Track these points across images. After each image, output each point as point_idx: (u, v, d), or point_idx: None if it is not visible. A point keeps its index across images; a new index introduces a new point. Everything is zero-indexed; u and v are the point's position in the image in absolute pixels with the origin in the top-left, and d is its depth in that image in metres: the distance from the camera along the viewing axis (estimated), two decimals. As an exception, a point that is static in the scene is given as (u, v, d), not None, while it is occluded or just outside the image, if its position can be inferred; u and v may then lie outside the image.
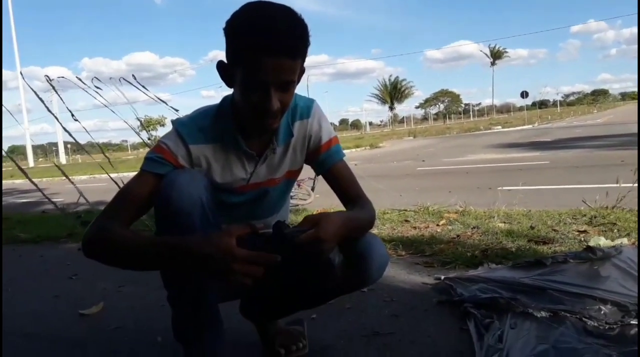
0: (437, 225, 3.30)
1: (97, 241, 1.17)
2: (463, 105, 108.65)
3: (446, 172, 8.54)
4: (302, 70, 1.18)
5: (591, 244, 2.32)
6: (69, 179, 4.15)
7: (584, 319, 1.55)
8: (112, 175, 4.19)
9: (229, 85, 1.21)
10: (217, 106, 1.29)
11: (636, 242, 2.39)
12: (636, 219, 2.89)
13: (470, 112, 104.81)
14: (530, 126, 29.10)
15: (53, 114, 4.73)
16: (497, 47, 77.87)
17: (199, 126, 1.26)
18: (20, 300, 2.55)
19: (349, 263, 1.29)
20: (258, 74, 1.07)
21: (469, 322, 1.67)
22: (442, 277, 2.15)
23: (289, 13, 1.09)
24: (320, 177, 1.44)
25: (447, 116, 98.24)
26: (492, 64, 78.88)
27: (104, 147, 5.09)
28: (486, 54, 79.20)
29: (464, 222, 3.28)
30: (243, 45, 1.07)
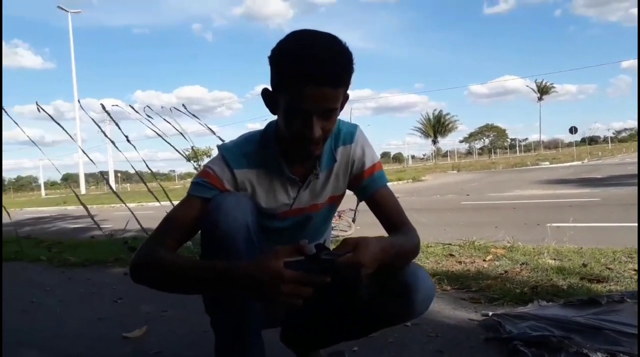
0: (484, 260, 3.20)
1: (144, 265, 1.20)
2: (509, 140, 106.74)
3: (492, 207, 8.34)
4: (346, 97, 1.18)
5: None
6: (124, 204, 4.28)
7: (643, 362, 1.46)
8: (160, 203, 4.30)
9: (273, 111, 1.22)
10: (261, 132, 1.32)
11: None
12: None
13: (517, 148, 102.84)
14: (579, 162, 28.22)
15: (109, 138, 4.92)
16: (544, 82, 76.56)
17: (244, 152, 1.28)
18: (66, 321, 2.61)
19: (393, 293, 1.25)
20: (300, 102, 1.09)
21: (518, 361, 1.60)
22: (490, 313, 2.07)
23: (333, 42, 1.10)
24: (361, 208, 1.42)
25: (493, 151, 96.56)
26: (539, 99, 77.44)
27: (152, 177, 5.24)
28: (533, 89, 77.91)
29: (512, 258, 3.18)
30: (286, 74, 1.09)
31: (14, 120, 5.09)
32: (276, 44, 1.12)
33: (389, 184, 1.41)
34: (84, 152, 4.97)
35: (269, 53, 1.13)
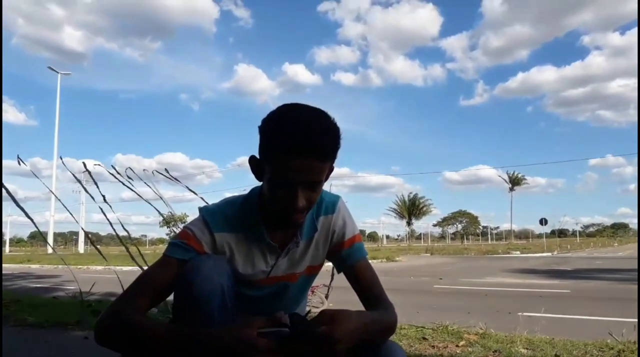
0: (457, 346, 3.17)
1: (111, 326, 1.14)
2: (481, 227, 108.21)
3: (464, 292, 8.33)
4: (331, 169, 1.20)
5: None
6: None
7: None
8: (128, 268, 4.20)
9: (259, 178, 1.23)
10: (245, 196, 1.32)
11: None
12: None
13: (489, 235, 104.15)
14: (549, 254, 28.63)
15: (92, 195, 4.86)
16: (515, 174, 78.89)
17: (225, 215, 1.28)
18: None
19: None
20: (287, 173, 1.10)
21: None
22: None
23: (322, 117, 1.13)
24: (334, 284, 1.42)
25: (465, 237, 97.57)
26: (511, 189, 79.50)
27: (123, 241, 5.15)
28: (505, 180, 79.97)
29: (485, 344, 3.15)
30: (274, 145, 1.10)
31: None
32: (267, 115, 1.15)
33: None
34: (65, 207, 4.88)
35: (257, 124, 1.15)
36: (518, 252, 31.09)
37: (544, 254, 28.08)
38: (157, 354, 1.16)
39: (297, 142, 1.07)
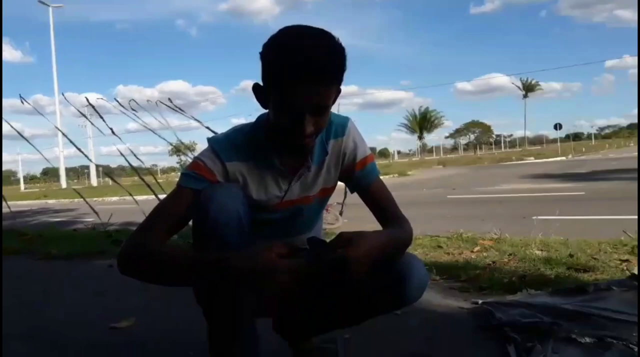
0: (472, 251, 3.22)
1: (133, 256, 1.18)
2: (494, 136, 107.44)
3: (478, 200, 8.40)
4: (338, 92, 1.16)
5: (635, 272, 2.22)
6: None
7: (631, 345, 1.47)
8: (142, 197, 4.26)
9: (264, 106, 1.20)
10: (253, 124, 1.30)
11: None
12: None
13: (502, 144, 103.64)
14: (564, 158, 28.56)
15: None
16: (529, 80, 76.91)
17: (234, 144, 1.26)
18: (53, 314, 2.57)
19: (387, 283, 1.25)
20: (292, 100, 1.07)
21: (509, 346, 1.60)
22: (480, 301, 2.08)
23: (326, 39, 1.08)
24: (348, 201, 1.42)
25: (478, 147, 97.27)
26: (525, 96, 77.87)
27: (133, 172, 5.18)
28: (518, 87, 78.03)
29: (500, 249, 3.20)
30: (276, 72, 1.07)
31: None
32: (267, 40, 1.10)
33: None
34: (73, 143, 4.89)
35: (257, 48, 1.11)
36: (532, 158, 31.06)
37: (559, 159, 28.03)
38: (179, 280, 1.20)
39: (301, 68, 1.03)
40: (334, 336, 1.64)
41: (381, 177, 1.40)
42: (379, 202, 1.36)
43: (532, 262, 2.73)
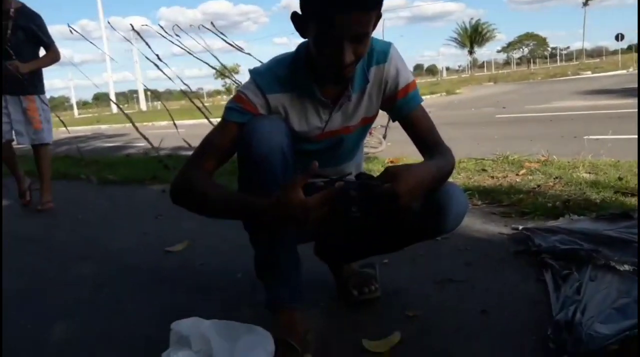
0: (517, 175, 3.18)
1: (182, 191, 1.27)
2: (549, 49, 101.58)
3: (528, 119, 8.14)
4: (379, 17, 1.14)
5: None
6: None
7: (671, 274, 1.46)
8: (190, 122, 4.34)
9: (303, 36, 1.21)
10: (293, 55, 1.30)
11: None
12: None
13: (558, 57, 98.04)
14: (624, 71, 26.81)
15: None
16: (590, -15, 71.01)
17: (276, 75, 1.27)
18: (113, 237, 2.77)
19: (427, 212, 1.27)
20: (331, 28, 1.06)
21: (545, 273, 1.63)
22: (520, 227, 2.09)
23: None
24: (392, 124, 1.42)
25: (532, 61, 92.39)
26: (585, 4, 72.19)
27: (181, 95, 5.27)
28: (578, -8, 72.45)
29: (546, 172, 3.14)
30: (314, 1, 1.06)
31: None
32: None
33: (422, 97, 1.39)
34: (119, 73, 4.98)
35: None
36: (589, 72, 29.35)
37: (618, 72, 26.35)
38: (223, 216, 1.30)
39: None
40: (373, 261, 1.71)
41: (428, 96, 1.42)
42: (421, 131, 1.36)
43: (578, 186, 2.69)
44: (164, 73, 4.78)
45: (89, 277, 2.13)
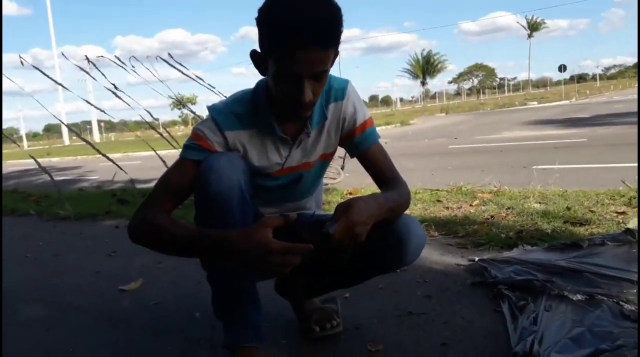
0: (471, 205, 3.27)
1: (140, 230, 1.23)
2: (498, 79, 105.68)
3: (479, 150, 8.41)
4: (336, 54, 1.15)
5: (630, 226, 2.27)
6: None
7: (620, 302, 1.52)
8: (146, 153, 4.27)
9: (262, 73, 1.21)
10: (252, 91, 1.30)
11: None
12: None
13: (505, 87, 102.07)
14: (567, 101, 28.25)
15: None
16: (534, 18, 74.76)
17: (234, 112, 1.27)
18: (63, 275, 2.66)
19: (386, 246, 1.28)
20: (290, 66, 1.07)
21: (502, 304, 1.67)
22: (476, 258, 2.14)
23: (320, 1, 1.06)
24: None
25: (481, 91, 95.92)
26: (529, 36, 75.85)
27: (136, 126, 5.20)
28: (523, 26, 76.05)
29: (498, 202, 3.24)
30: (273, 39, 1.07)
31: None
32: (262, 4, 1.09)
33: (377, 129, 1.42)
34: (89, 103, 4.87)
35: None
36: (535, 102, 30.72)
37: (562, 102, 27.73)
38: (183, 253, 1.26)
39: (297, 33, 1.03)
40: (335, 296, 1.71)
41: (384, 126, 1.44)
42: (378, 167, 1.37)
43: (530, 216, 2.78)
44: (122, 99, 4.70)
45: (39, 320, 2.03)
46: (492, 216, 2.90)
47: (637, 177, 2.92)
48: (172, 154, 1.35)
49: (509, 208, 3.05)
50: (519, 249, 2.17)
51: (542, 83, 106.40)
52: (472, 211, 3.11)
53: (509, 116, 18.76)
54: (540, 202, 3.14)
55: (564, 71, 35.05)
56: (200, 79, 5.04)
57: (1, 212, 2.79)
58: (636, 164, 4.59)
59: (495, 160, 6.64)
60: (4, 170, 14.20)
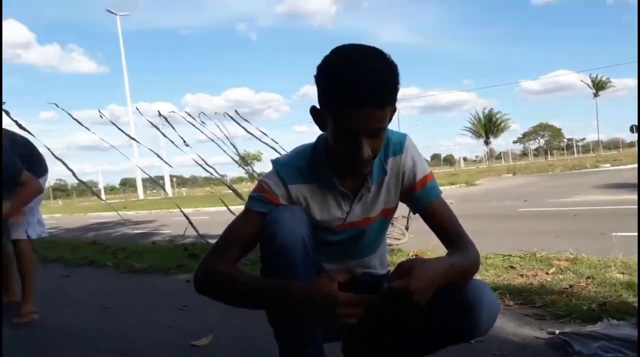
0: (547, 273, 3.13)
1: (207, 280, 1.27)
2: (565, 140, 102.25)
3: (551, 214, 8.07)
4: (394, 111, 1.18)
5: None
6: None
7: None
8: (213, 209, 4.43)
9: (322, 129, 1.25)
10: (313, 145, 1.35)
11: None
12: None
13: (574, 148, 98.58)
14: (644, 164, 26.82)
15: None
16: (599, 77, 72.02)
17: (297, 166, 1.32)
18: (138, 328, 2.75)
19: (456, 312, 1.24)
20: (348, 124, 1.10)
21: (590, 383, 1.57)
22: (557, 331, 2.03)
23: (376, 60, 1.10)
24: (415, 215, 1.42)
25: (549, 152, 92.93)
26: (595, 94, 73.15)
27: (205, 182, 5.44)
28: (588, 84, 73.35)
29: (577, 271, 3.08)
30: (331, 97, 1.11)
31: (86, 127, 5.24)
32: (321, 62, 1.14)
33: (441, 189, 1.41)
34: (163, 160, 5.18)
35: (315, 52, 1.19)
36: (608, 164, 29.31)
37: (637, 165, 26.33)
38: (249, 304, 1.28)
39: (355, 92, 1.06)
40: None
41: (448, 186, 1.43)
42: (441, 222, 1.35)
43: (613, 287, 2.62)
44: (194, 160, 4.94)
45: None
46: (571, 286, 2.76)
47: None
48: (240, 209, 1.40)
49: (588, 277, 2.89)
50: (603, 323, 2.05)
51: (613, 144, 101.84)
52: (548, 279, 2.97)
53: (580, 179, 18.00)
54: (623, 272, 2.96)
55: (636, 132, 33.48)
56: (265, 134, 5.26)
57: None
58: None
59: (570, 225, 6.35)
60: (86, 222, 15.06)
